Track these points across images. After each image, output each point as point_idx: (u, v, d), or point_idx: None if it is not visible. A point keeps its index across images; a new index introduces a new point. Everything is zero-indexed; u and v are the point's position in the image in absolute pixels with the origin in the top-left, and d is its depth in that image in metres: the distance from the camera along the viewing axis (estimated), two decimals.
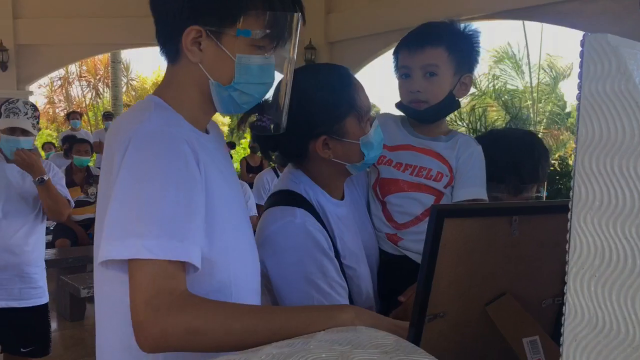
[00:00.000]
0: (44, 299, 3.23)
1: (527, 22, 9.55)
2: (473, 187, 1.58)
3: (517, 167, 1.70)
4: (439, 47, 1.55)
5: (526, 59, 13.24)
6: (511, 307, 1.00)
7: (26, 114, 3.07)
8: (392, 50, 1.67)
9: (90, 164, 6.83)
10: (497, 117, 11.48)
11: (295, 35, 1.22)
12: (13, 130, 3.03)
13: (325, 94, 1.40)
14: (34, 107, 3.19)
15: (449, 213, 0.90)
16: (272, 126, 1.30)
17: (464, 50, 1.59)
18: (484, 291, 0.99)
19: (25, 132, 3.05)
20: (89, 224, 6.45)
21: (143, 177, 1.04)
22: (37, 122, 3.17)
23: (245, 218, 1.30)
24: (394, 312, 1.50)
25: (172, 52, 1.21)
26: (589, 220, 0.71)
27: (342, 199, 1.53)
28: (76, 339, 5.17)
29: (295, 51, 1.25)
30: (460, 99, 1.67)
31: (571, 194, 0.73)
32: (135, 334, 0.99)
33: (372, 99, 1.67)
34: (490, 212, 0.97)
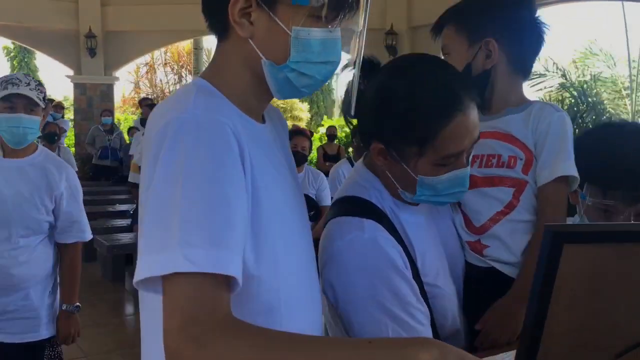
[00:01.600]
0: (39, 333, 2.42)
1: (627, 3, 8.81)
2: (557, 163, 1.34)
3: (635, 172, 1.39)
4: (447, 27, 1.45)
5: (625, 49, 12.18)
6: None
7: (28, 84, 2.28)
8: None
9: None
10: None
11: (366, 4, 1.00)
12: (12, 105, 2.27)
13: (404, 110, 1.13)
14: (39, 82, 2.38)
15: (570, 237, 0.65)
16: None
17: (473, 16, 1.41)
18: (614, 339, 0.74)
19: (28, 108, 2.29)
20: None
21: (181, 176, 0.87)
22: (44, 99, 2.36)
23: (303, 224, 1.10)
24: (476, 340, 1.28)
25: (219, 26, 1.03)
26: None
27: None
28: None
29: (366, 23, 1.03)
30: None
31: None
32: None
33: None
34: (630, 237, 0.71)
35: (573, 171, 1.34)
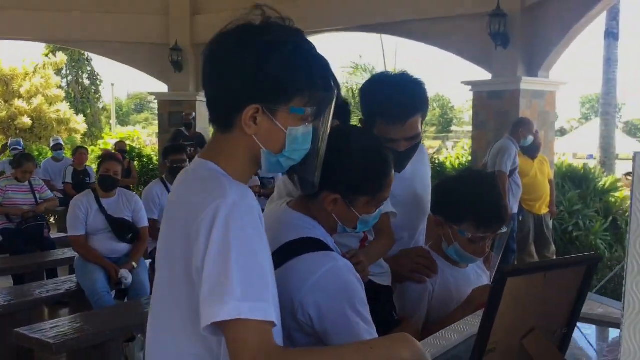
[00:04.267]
0: None
1: (384, 36, 10.22)
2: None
3: (501, 210, 1.98)
4: None
5: (383, 68, 14.30)
6: (539, 339, 1.28)
7: None
8: None
9: None
10: None
11: (332, 107, 1.41)
12: None
13: (360, 171, 1.57)
14: None
15: (511, 273, 1.16)
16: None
17: None
18: (520, 329, 1.27)
19: None
20: None
21: (234, 249, 1.21)
22: None
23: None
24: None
25: (225, 123, 1.36)
26: None
27: None
28: None
29: (330, 119, 1.43)
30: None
31: (628, 219, 0.81)
32: None
33: None
34: (537, 270, 1.26)
35: (391, 207, 1.97)
